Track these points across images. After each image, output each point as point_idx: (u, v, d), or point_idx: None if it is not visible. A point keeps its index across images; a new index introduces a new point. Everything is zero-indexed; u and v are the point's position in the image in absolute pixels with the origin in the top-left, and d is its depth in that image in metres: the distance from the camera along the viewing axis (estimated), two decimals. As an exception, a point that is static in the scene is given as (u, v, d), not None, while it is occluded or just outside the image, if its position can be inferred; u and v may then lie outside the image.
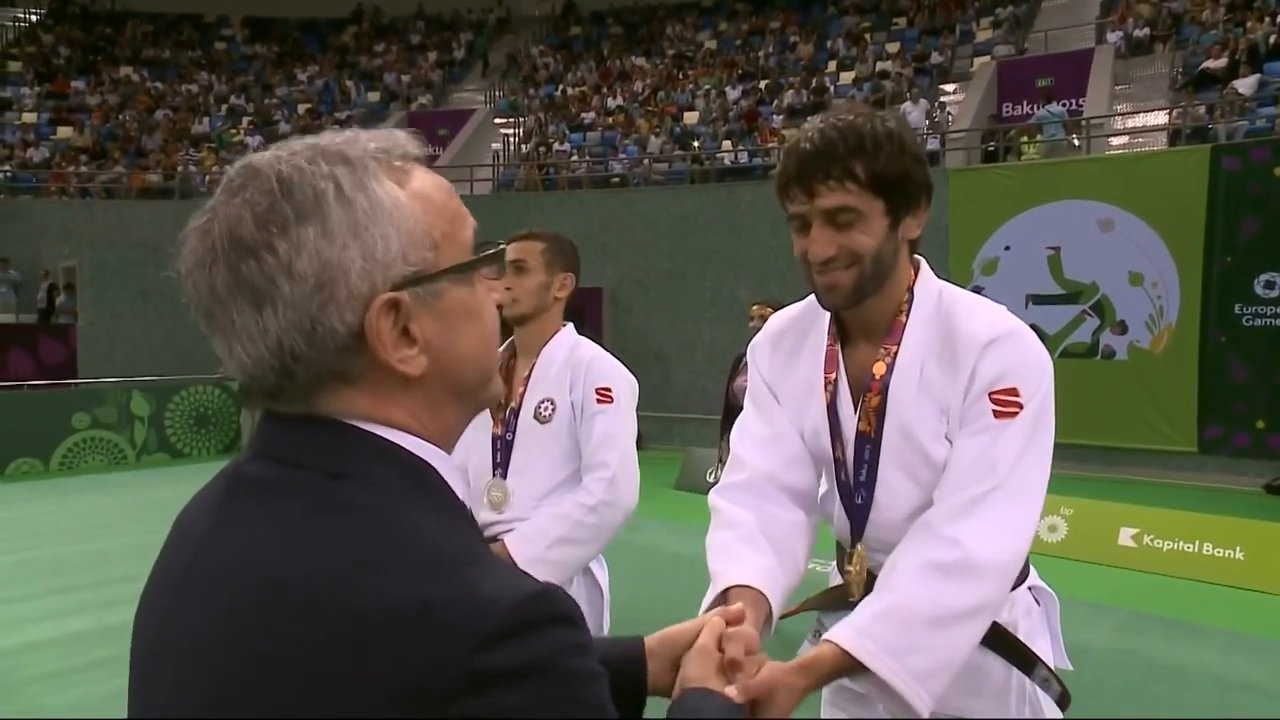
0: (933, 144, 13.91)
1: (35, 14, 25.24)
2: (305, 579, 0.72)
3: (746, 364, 5.43)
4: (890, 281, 1.57)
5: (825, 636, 1.41)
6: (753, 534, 1.60)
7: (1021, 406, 1.47)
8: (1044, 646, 1.65)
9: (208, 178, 18.91)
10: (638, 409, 2.62)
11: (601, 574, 2.58)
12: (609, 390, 2.49)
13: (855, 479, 1.63)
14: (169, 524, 0.85)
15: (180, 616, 0.79)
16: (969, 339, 1.52)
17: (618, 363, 2.58)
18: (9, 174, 19.11)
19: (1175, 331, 10.10)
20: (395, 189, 0.82)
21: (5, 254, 17.31)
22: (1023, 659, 1.60)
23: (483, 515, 2.52)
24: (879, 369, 1.60)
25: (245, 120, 21.31)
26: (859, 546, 1.63)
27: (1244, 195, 9.50)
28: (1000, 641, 1.57)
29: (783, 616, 1.87)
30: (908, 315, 1.61)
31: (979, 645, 1.49)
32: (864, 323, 1.63)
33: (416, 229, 0.81)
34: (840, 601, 1.69)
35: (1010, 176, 11.48)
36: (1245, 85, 12.21)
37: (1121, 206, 10.26)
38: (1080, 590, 5.74)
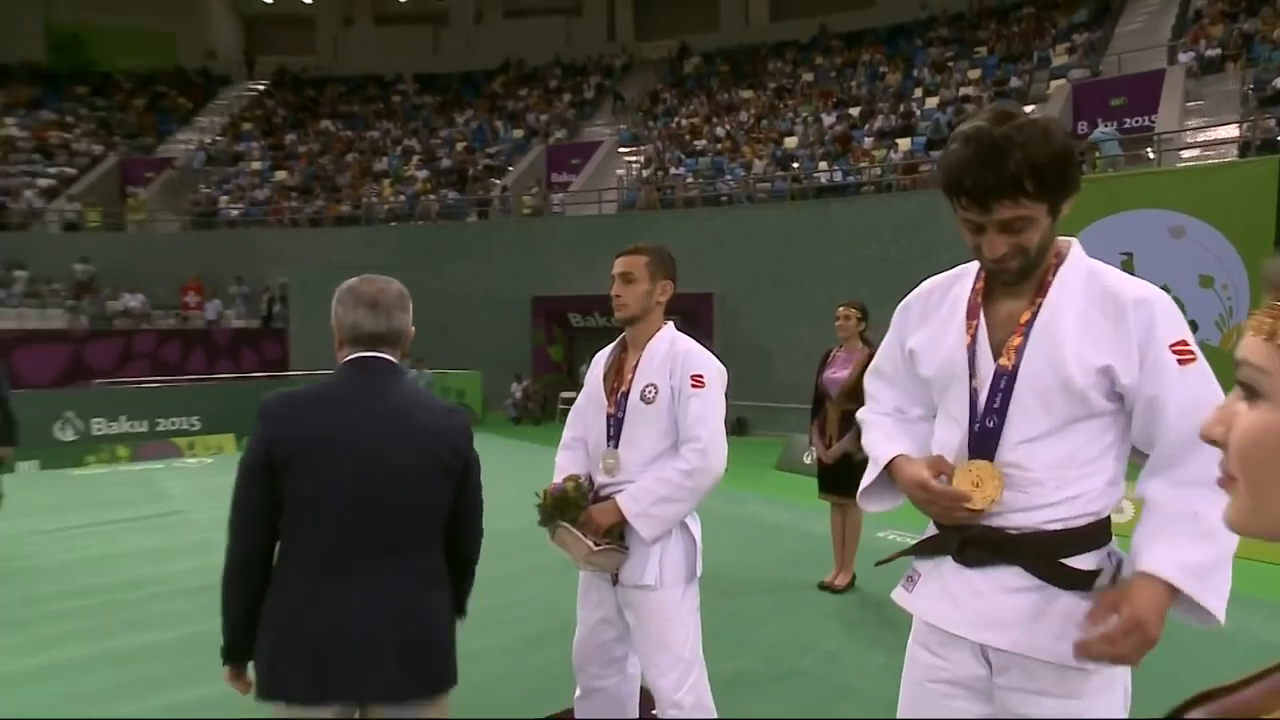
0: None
1: (262, 84, 27.07)
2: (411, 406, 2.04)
3: (833, 357, 5.43)
4: (1047, 254, 1.58)
5: (1152, 572, 1.42)
6: (894, 429, 1.77)
7: (1194, 353, 1.48)
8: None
9: (386, 206, 19.91)
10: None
11: (695, 527, 2.66)
12: (701, 376, 2.56)
13: (989, 406, 1.60)
14: None
15: (402, 456, 1.99)
16: (1130, 297, 1.51)
17: (709, 354, 2.66)
18: (242, 210, 20.63)
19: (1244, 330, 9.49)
20: None
21: (239, 273, 18.71)
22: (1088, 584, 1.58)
23: (599, 478, 2.66)
24: (1024, 316, 1.58)
25: (415, 158, 22.27)
26: (977, 461, 1.59)
27: (1316, 204, 8.88)
28: (1071, 579, 1.53)
29: (879, 563, 1.95)
30: (1054, 274, 1.59)
31: (1059, 589, 1.52)
32: (1017, 284, 1.62)
33: None
34: (937, 549, 1.67)
35: (1084, 189, 10.97)
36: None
37: (1192, 214, 9.69)
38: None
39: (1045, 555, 1.53)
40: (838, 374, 5.26)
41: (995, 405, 1.58)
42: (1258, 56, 13.55)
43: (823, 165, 16.11)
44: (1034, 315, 1.57)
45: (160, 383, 14.19)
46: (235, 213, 20.60)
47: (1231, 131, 12.31)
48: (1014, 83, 16.44)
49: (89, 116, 25.06)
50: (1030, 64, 16.99)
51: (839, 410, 5.21)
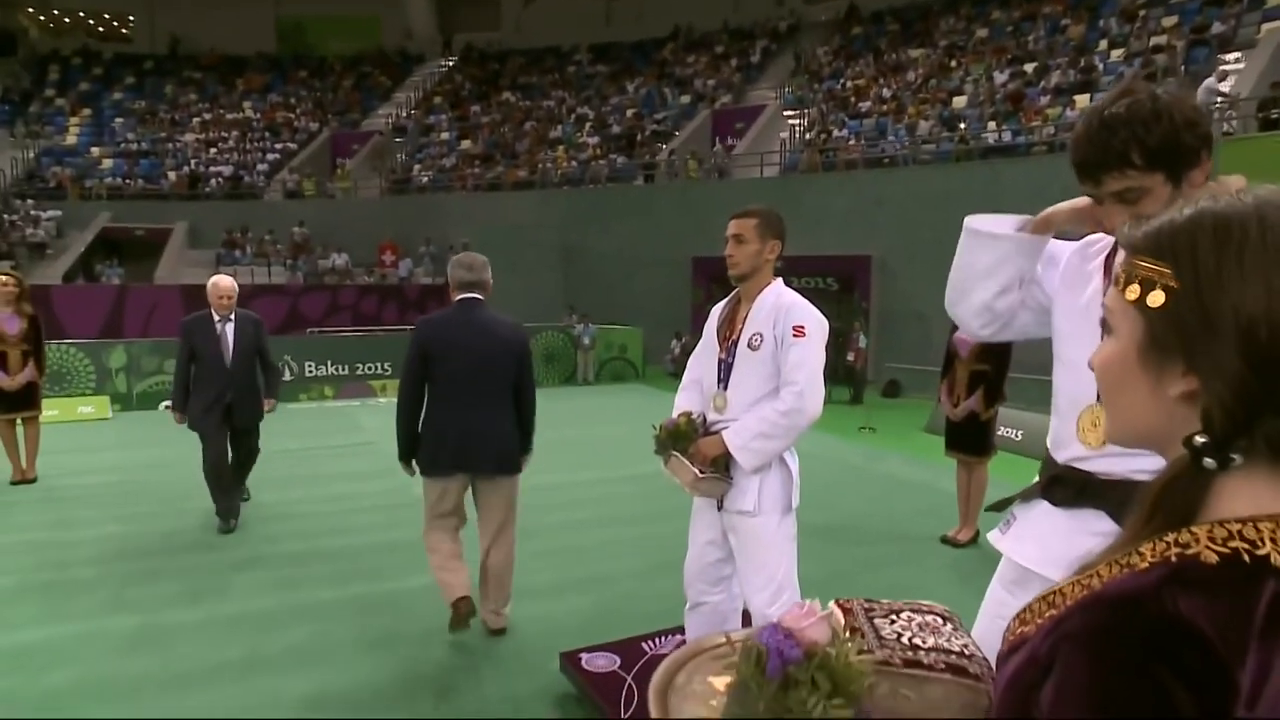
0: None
1: (451, 61, 28.70)
2: (493, 324, 3.72)
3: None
4: None
5: None
6: None
7: None
8: None
9: (559, 171, 20.73)
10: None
11: (793, 463, 2.84)
12: (803, 327, 2.72)
13: None
14: None
15: (492, 348, 3.67)
16: None
17: (812, 307, 2.80)
18: (431, 177, 22.17)
19: None
20: None
21: (428, 235, 20.18)
22: None
23: (710, 415, 2.91)
24: None
25: (587, 125, 22.93)
26: (1100, 405, 1.65)
27: None
28: None
29: (989, 508, 1.98)
30: None
31: None
32: None
33: None
34: (1032, 494, 1.74)
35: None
36: None
37: None
38: None
39: (1128, 502, 1.59)
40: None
41: None
42: None
43: (991, 125, 15.22)
44: None
45: (360, 332, 15.69)
46: (425, 180, 22.15)
47: None
48: (1216, 28, 14.73)
49: (307, 97, 27.58)
50: (1239, 6, 15.13)
51: (967, 370, 5.17)
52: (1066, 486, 1.65)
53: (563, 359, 14.97)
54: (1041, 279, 1.83)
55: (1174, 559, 0.70)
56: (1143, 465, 1.55)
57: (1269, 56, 13.28)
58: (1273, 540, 0.68)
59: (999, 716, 0.81)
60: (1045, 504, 1.70)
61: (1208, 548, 0.69)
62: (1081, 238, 1.81)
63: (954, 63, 18.65)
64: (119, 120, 25.18)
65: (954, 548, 5.21)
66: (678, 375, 15.54)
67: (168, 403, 11.33)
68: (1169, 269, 0.73)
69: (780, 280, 2.93)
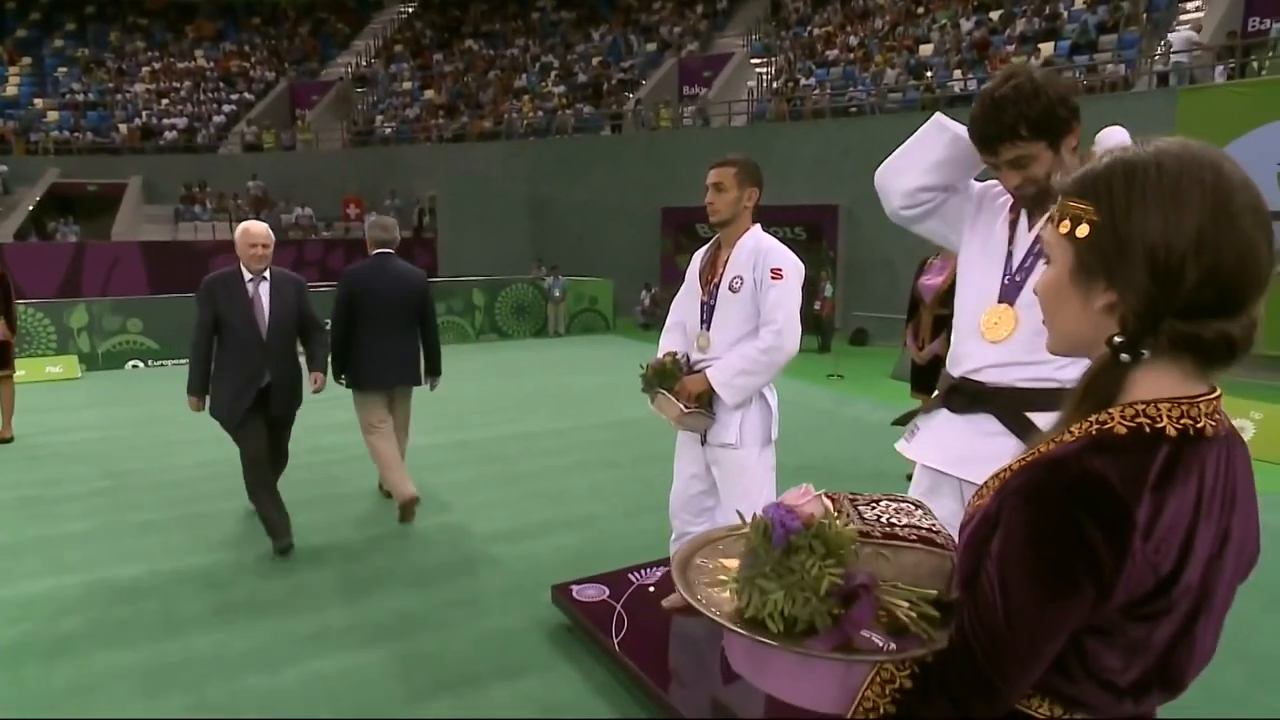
0: (1160, 65, 12.42)
1: (410, 8, 27.96)
2: (405, 271, 4.92)
3: (930, 264, 5.57)
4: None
5: None
6: None
7: None
8: None
9: (525, 121, 20.51)
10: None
11: (772, 398, 3.04)
12: (780, 270, 2.90)
13: (1020, 264, 1.90)
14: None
15: (402, 291, 4.84)
16: None
17: (789, 251, 2.97)
18: (394, 128, 21.79)
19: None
20: None
21: (393, 187, 19.93)
22: None
23: (694, 355, 3.09)
24: None
25: (552, 74, 22.62)
26: (1002, 305, 1.89)
27: None
28: (1032, 435, 1.84)
29: (894, 422, 2.26)
30: None
31: (1017, 437, 1.80)
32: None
33: None
34: (933, 406, 2.03)
35: (1243, 94, 10.08)
36: None
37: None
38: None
39: (1013, 407, 1.86)
40: (932, 280, 5.41)
41: (1026, 265, 1.88)
42: None
43: (957, 74, 15.34)
44: None
45: (328, 287, 15.57)
46: (389, 131, 21.77)
47: None
48: (1177, -25, 14.91)
49: (262, 45, 26.78)
50: (1199, -47, 15.30)
51: (932, 314, 5.39)
52: (963, 395, 1.93)
53: (533, 311, 15.02)
54: (962, 198, 2.10)
55: (1094, 432, 0.91)
56: (1023, 374, 1.86)
57: (1227, 5, 13.51)
58: (1169, 417, 0.89)
59: (961, 572, 1.02)
60: (944, 412, 1.98)
61: (1119, 423, 0.90)
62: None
63: (921, 9, 18.65)
64: (62, 70, 24.29)
65: (919, 483, 5.50)
66: (648, 326, 15.78)
67: (136, 362, 11.31)
68: (1090, 206, 0.92)
69: (759, 226, 3.09)
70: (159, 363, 11.31)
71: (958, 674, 0.95)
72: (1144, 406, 0.90)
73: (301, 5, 28.21)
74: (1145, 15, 14.09)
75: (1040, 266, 1.84)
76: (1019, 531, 0.90)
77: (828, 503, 1.15)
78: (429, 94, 23.07)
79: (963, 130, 1.99)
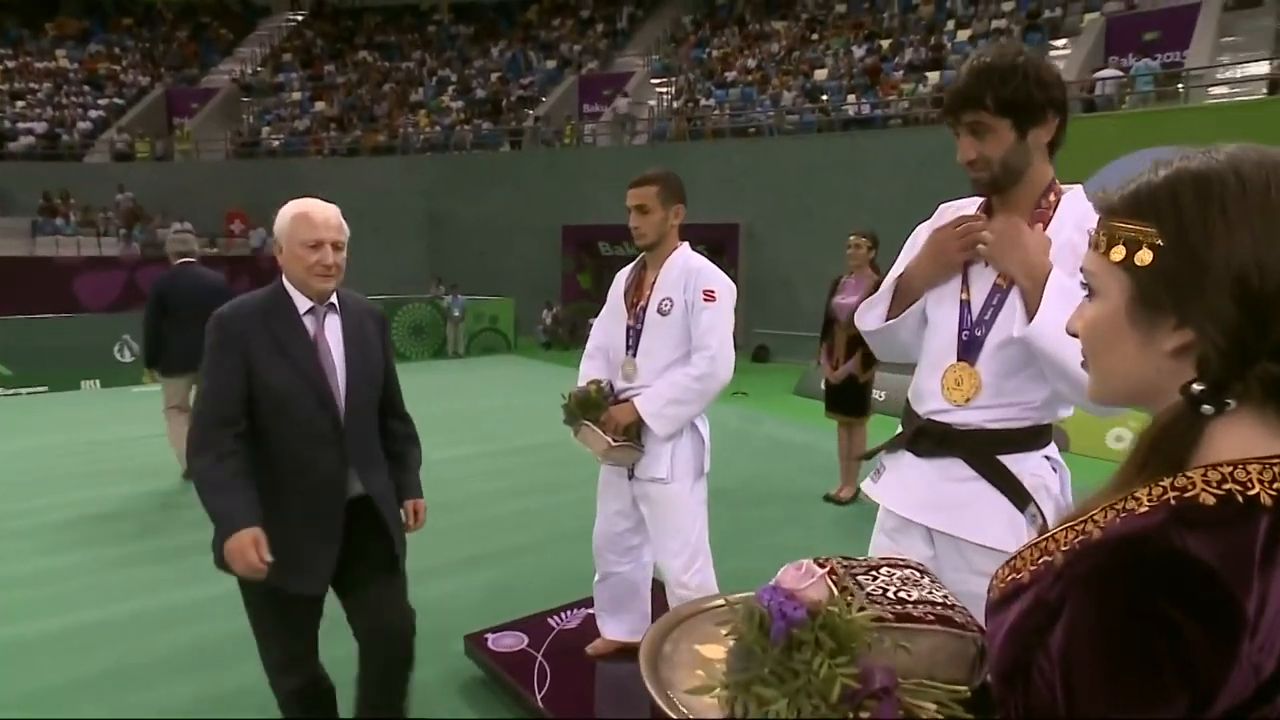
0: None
1: (300, 15, 26.87)
2: (207, 275, 5.69)
3: (844, 284, 5.56)
4: (1026, 177, 1.72)
5: None
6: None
7: None
8: (1048, 503, 1.71)
9: (422, 136, 19.95)
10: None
11: (704, 428, 2.86)
12: (713, 291, 2.72)
13: (979, 317, 1.76)
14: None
15: (202, 291, 5.66)
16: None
17: (720, 271, 2.80)
18: (283, 141, 20.78)
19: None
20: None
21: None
22: (1020, 497, 1.71)
23: (619, 384, 2.87)
24: None
25: (450, 88, 22.14)
26: (962, 364, 1.76)
27: (1336, 138, 8.67)
28: (1003, 480, 1.71)
29: (859, 457, 2.17)
30: (1055, 210, 1.72)
31: (987, 481, 1.70)
32: (1011, 205, 1.76)
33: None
34: (899, 445, 1.88)
35: (1110, 125, 10.74)
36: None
37: (1217, 150, 9.47)
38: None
39: (983, 450, 1.72)
40: (847, 300, 5.40)
41: (985, 318, 1.75)
42: (1299, -13, 12.99)
43: (851, 98, 15.82)
44: None
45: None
46: (277, 143, 20.77)
47: (1263, 69, 11.88)
48: (1047, 14, 15.88)
49: (134, 48, 25.16)
50: (1067, -6, 16.37)
51: (846, 334, 5.38)
52: (928, 438, 1.80)
53: (431, 332, 14.53)
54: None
55: (1173, 501, 0.73)
56: (992, 415, 1.72)
57: (1091, 44, 14.44)
58: (1260, 481, 0.72)
59: (1000, 663, 0.84)
60: (909, 455, 1.84)
61: (1204, 490, 0.73)
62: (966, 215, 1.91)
63: (815, 35, 19.21)
64: (-98, 67, 22.13)
65: (838, 505, 5.46)
66: (550, 346, 15.58)
67: None
68: (1152, 228, 0.75)
69: (686, 245, 2.92)
70: (11, 391, 10.26)
71: None
72: (1230, 469, 0.73)
73: (179, 7, 26.69)
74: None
75: (1003, 319, 1.72)
76: (1091, 629, 0.72)
77: (831, 584, 0.97)
78: (320, 105, 22.16)
79: (879, 315, 1.94)
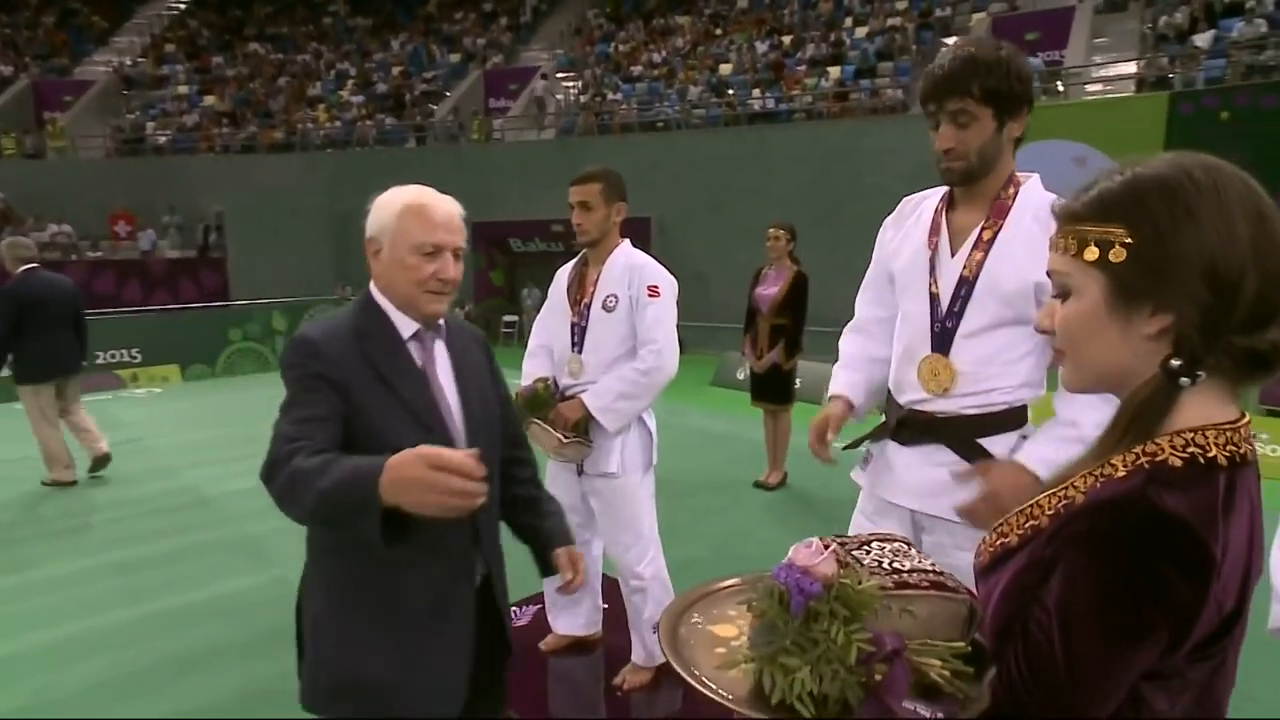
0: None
1: (183, 3, 25.47)
2: (58, 279, 5.63)
3: (764, 275, 5.75)
4: (995, 169, 1.79)
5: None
6: (852, 361, 2.12)
7: None
8: None
9: (322, 132, 19.30)
10: (681, 319, 2.98)
11: (651, 422, 2.95)
12: (656, 287, 2.79)
13: (949, 309, 1.82)
14: None
15: (57, 296, 6.02)
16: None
17: (662, 267, 2.87)
18: (170, 136, 19.71)
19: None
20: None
21: (171, 202, 18.01)
22: None
23: (564, 381, 2.91)
24: (986, 234, 1.80)
25: (350, 82, 21.47)
26: (936, 355, 1.84)
27: (1195, 135, 9.39)
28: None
29: (846, 447, 2.18)
30: (1014, 200, 1.79)
31: (968, 463, 1.78)
32: (974, 196, 1.83)
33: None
34: (883, 433, 1.98)
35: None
36: (1203, 40, 11.83)
37: (1093, 145, 10.16)
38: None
39: (964, 434, 1.82)
40: (768, 291, 5.58)
41: (955, 309, 1.82)
42: (1156, -4, 14.01)
43: (756, 93, 16.16)
44: (996, 233, 1.79)
45: (96, 315, 13.77)
46: (163, 140, 19.70)
47: (1131, 68, 12.78)
48: (938, 13, 16.59)
49: (-5, 35, 23.37)
50: (955, -6, 17.14)
51: (769, 324, 5.56)
52: (911, 427, 1.90)
53: (343, 333, 14.10)
54: (887, 281, 2.06)
55: (1147, 465, 0.86)
56: (971, 402, 1.84)
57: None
58: (1217, 444, 0.85)
59: (997, 619, 0.94)
60: (893, 443, 1.94)
61: (1172, 454, 0.85)
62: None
63: (719, 31, 19.51)
64: None
65: (767, 491, 5.64)
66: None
67: None
68: (1121, 228, 0.87)
69: (628, 241, 2.97)
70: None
71: None
72: (1192, 435, 0.86)
73: (45, -6, 24.93)
74: (915, 46, 15.54)
75: (972, 311, 1.80)
76: (1088, 581, 0.84)
77: (836, 558, 1.05)
78: (210, 100, 21.09)
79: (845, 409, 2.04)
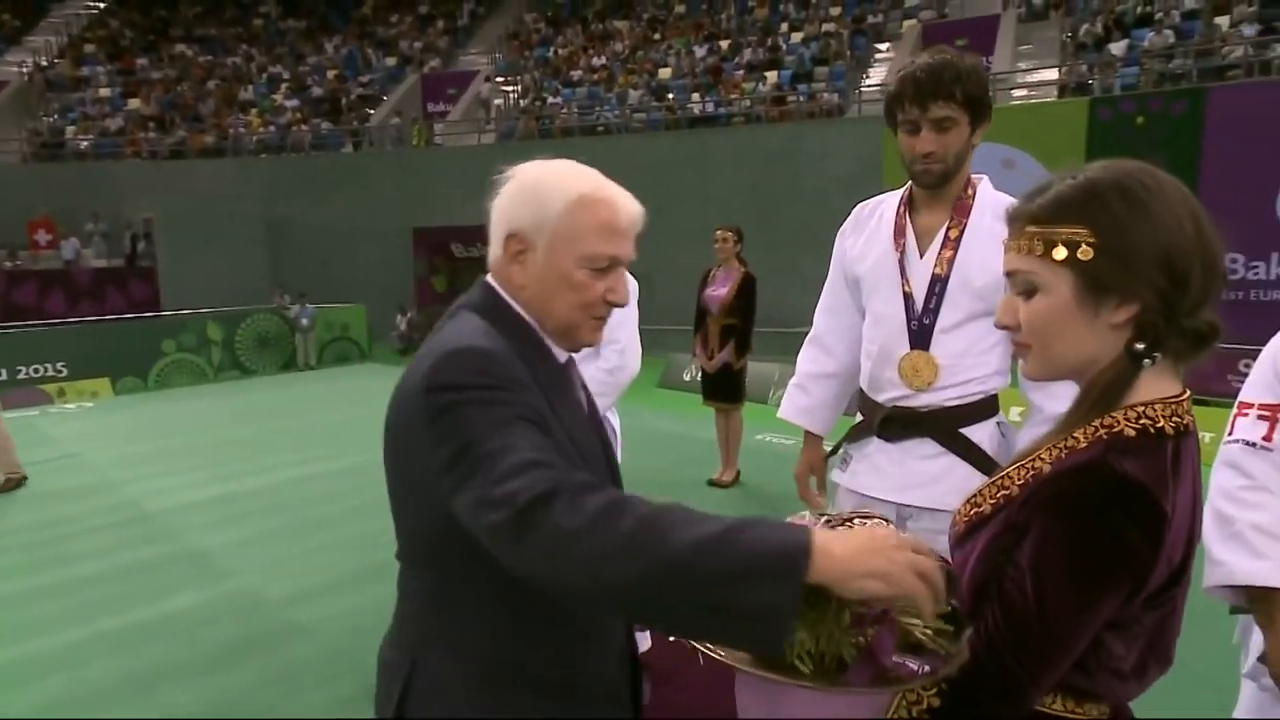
0: (869, 96, 14.15)
1: (103, 1, 24.51)
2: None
3: (713, 276, 5.83)
4: (962, 172, 1.88)
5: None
6: (805, 382, 2.23)
7: None
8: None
9: (255, 137, 18.84)
10: None
11: (615, 420, 3.03)
12: None
13: (925, 307, 1.89)
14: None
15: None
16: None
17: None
18: (93, 141, 18.98)
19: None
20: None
21: (95, 209, 17.34)
22: (983, 463, 1.87)
23: None
24: (953, 233, 1.87)
25: (283, 86, 21.00)
26: (916, 352, 1.90)
27: (1114, 139, 9.84)
28: (968, 451, 1.88)
29: (831, 452, 2.23)
30: (974, 200, 1.87)
31: (954, 455, 1.86)
32: (936, 198, 1.89)
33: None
34: (865, 431, 2.02)
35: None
36: (1118, 49, 12.44)
37: (1021, 148, 10.55)
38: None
39: (947, 425, 1.91)
40: (717, 292, 5.69)
41: (931, 306, 1.89)
42: (1075, 6, 14.66)
43: (695, 97, 16.36)
44: (961, 232, 1.87)
45: (16, 327, 13.20)
46: (85, 144, 18.96)
47: (1053, 74, 13.34)
48: (871, 20, 17.05)
49: (-103, 35, 22.19)
50: (886, 3, 17.62)
51: (719, 325, 5.67)
52: (897, 424, 1.96)
53: (279, 343, 13.76)
54: (849, 287, 2.13)
55: (1105, 436, 0.97)
56: (953, 394, 1.92)
57: (911, 47, 15.66)
58: (1164, 416, 0.97)
59: (973, 581, 1.04)
60: (877, 440, 2.00)
61: (1127, 425, 0.96)
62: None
63: (657, 35, 19.68)
64: None
65: (721, 489, 5.75)
66: (406, 352, 15.18)
67: None
68: (1084, 228, 0.96)
69: None
70: None
71: (987, 682, 0.97)
72: (1143, 408, 0.97)
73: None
74: (849, 53, 15.94)
75: (947, 307, 1.88)
76: (1058, 539, 0.94)
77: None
78: (134, 103, 20.39)
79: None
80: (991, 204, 1.88)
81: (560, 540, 0.91)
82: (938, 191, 1.90)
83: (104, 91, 20.76)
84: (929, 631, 1.02)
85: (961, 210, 1.89)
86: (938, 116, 1.79)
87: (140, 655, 3.55)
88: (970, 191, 1.91)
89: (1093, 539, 0.92)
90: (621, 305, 1.29)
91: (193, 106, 20.11)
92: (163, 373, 12.19)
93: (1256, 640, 1.52)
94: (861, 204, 2.14)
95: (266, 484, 6.31)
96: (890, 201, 2.03)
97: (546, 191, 1.21)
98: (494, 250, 1.24)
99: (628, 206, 1.26)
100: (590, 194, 1.21)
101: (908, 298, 1.93)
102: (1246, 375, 1.60)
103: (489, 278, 1.27)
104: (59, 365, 11.49)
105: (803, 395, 2.25)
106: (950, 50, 1.84)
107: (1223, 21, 12.30)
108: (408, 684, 1.20)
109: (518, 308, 1.24)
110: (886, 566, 0.87)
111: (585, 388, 1.41)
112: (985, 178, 1.96)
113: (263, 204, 17.12)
